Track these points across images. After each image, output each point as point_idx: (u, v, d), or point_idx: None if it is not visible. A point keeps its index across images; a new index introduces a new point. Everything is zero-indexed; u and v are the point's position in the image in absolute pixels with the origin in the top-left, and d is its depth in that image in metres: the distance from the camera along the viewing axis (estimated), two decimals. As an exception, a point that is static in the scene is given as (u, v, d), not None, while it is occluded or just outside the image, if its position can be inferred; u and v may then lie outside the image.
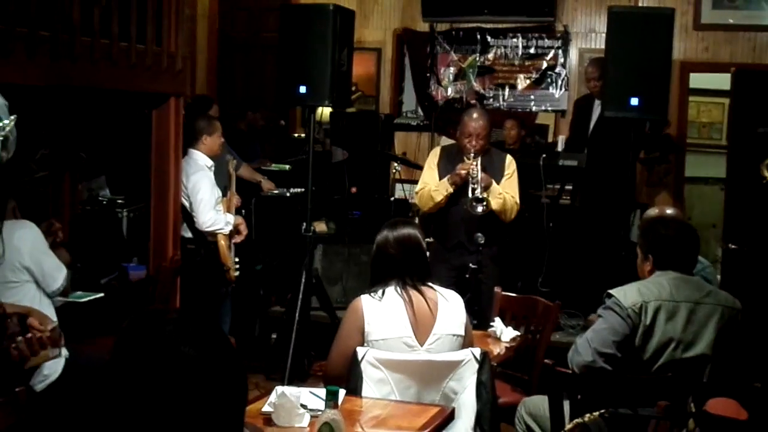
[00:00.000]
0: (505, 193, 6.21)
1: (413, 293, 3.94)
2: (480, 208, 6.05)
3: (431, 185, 6.28)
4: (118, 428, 1.72)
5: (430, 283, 4.04)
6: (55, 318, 4.26)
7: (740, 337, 4.05)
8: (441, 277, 4.44)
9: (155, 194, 6.10)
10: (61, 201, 6.54)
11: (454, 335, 3.96)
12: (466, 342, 4.03)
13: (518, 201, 6.31)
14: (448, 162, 6.31)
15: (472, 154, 6.13)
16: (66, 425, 2.32)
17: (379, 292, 3.94)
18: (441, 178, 6.27)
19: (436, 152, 6.54)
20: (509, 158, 6.47)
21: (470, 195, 6.08)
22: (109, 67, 5.36)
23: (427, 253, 4.17)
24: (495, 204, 6.13)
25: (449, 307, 3.99)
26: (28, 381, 4.01)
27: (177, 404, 1.71)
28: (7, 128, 2.47)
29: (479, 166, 6.13)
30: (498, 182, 6.22)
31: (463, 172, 6.11)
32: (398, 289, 3.94)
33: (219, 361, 1.78)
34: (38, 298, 4.63)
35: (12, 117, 2.51)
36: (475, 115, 6.28)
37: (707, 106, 11.31)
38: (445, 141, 10.37)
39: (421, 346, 3.90)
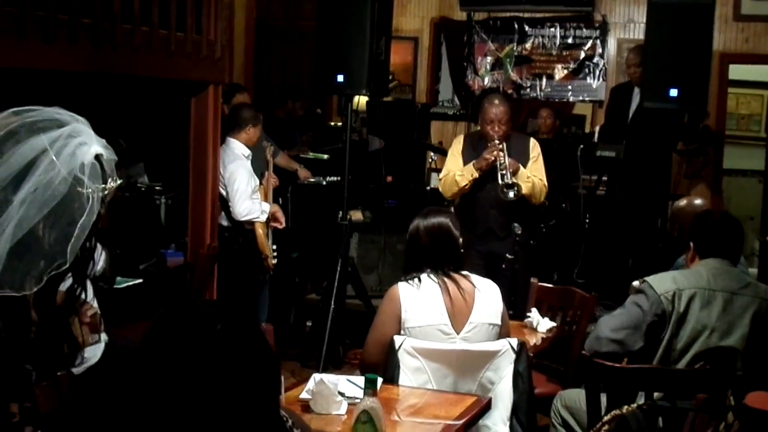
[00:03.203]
0: (533, 176, 6.17)
1: (449, 282, 3.94)
2: (511, 194, 6.02)
3: (455, 171, 6.25)
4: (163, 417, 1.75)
5: (465, 272, 4.03)
6: (95, 304, 4.29)
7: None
8: (471, 265, 4.44)
9: (193, 181, 6.13)
10: (100, 187, 6.58)
11: (490, 324, 3.96)
12: (503, 331, 4.03)
13: (546, 183, 6.27)
14: (473, 149, 6.27)
15: (496, 141, 6.10)
16: (105, 409, 2.35)
17: (416, 279, 3.95)
18: (465, 165, 6.23)
19: (459, 139, 6.49)
20: (533, 141, 6.42)
21: (500, 181, 6.04)
22: (149, 55, 5.38)
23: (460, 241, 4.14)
24: (525, 188, 6.09)
25: (486, 296, 3.98)
26: (69, 365, 4.05)
27: (219, 398, 1.75)
28: (113, 188, 2.53)
29: (506, 151, 6.10)
30: (524, 166, 6.18)
31: (491, 157, 6.07)
32: (433, 276, 3.94)
33: (257, 354, 1.81)
34: None
35: (119, 180, 2.58)
36: (495, 101, 6.24)
37: (746, 98, 11.23)
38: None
39: (458, 334, 3.90)
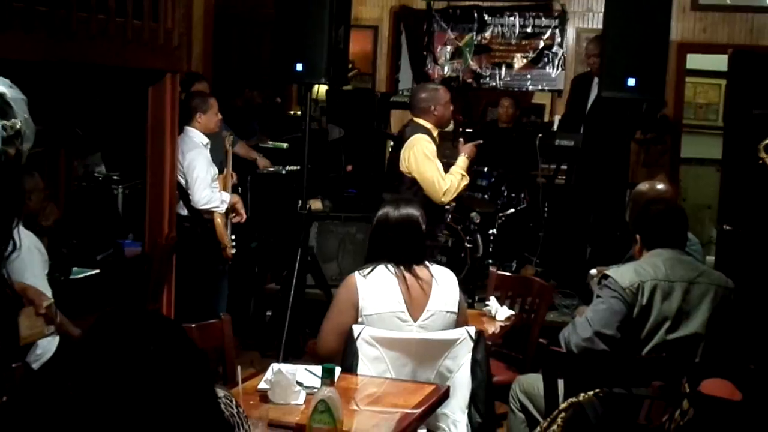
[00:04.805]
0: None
1: (406, 272, 3.94)
2: None
3: (457, 173, 6.03)
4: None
5: (426, 262, 4.03)
6: (50, 294, 4.24)
7: (733, 317, 4.07)
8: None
9: (151, 171, 6.09)
10: (56, 177, 6.54)
11: (447, 312, 3.97)
12: (460, 320, 4.04)
13: None
14: (437, 147, 6.14)
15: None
16: (59, 403, 2.33)
17: (372, 269, 3.94)
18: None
19: (428, 139, 6.05)
20: None
21: None
22: (106, 43, 5.33)
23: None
24: None
25: (443, 285, 3.99)
26: (25, 357, 4.01)
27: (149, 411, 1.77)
28: (17, 126, 2.47)
29: None
30: None
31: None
32: (391, 267, 3.94)
33: (189, 373, 1.84)
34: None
35: (25, 116, 2.52)
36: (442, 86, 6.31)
37: (704, 87, 11.31)
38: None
39: (415, 321, 3.90)
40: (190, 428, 1.82)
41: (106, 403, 1.76)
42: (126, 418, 1.76)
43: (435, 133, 6.10)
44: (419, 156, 5.97)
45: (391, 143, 8.90)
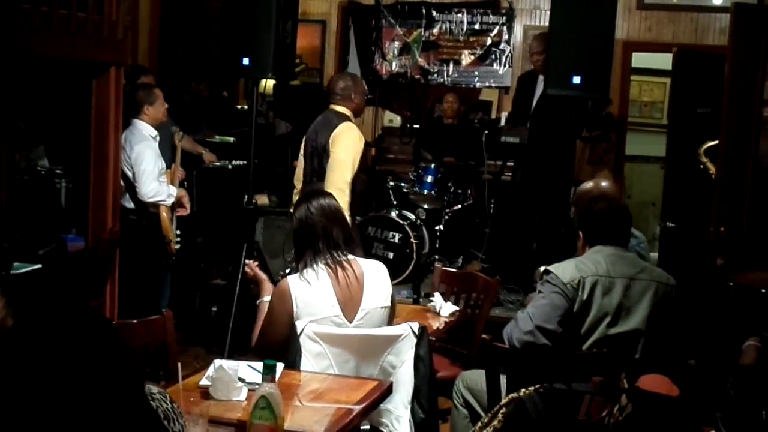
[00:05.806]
0: None
1: (339, 270, 3.91)
2: None
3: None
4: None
5: (352, 256, 4.01)
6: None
7: (674, 313, 4.12)
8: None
9: (94, 164, 6.03)
10: (-2, 171, 6.46)
11: (381, 307, 3.96)
12: (392, 312, 4.05)
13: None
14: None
15: None
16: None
17: (306, 271, 3.90)
18: None
19: (360, 136, 6.05)
20: None
21: None
22: (49, 35, 5.27)
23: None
24: None
25: (375, 281, 3.97)
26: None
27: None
28: None
29: None
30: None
31: None
32: (323, 266, 3.90)
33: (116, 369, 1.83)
34: None
35: None
36: None
37: (649, 86, 11.44)
38: (389, 116, 10.37)
39: (350, 323, 3.87)
40: (116, 422, 1.81)
41: (30, 396, 1.74)
42: (50, 412, 1.74)
43: (353, 120, 6.12)
44: (348, 147, 5.91)
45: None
